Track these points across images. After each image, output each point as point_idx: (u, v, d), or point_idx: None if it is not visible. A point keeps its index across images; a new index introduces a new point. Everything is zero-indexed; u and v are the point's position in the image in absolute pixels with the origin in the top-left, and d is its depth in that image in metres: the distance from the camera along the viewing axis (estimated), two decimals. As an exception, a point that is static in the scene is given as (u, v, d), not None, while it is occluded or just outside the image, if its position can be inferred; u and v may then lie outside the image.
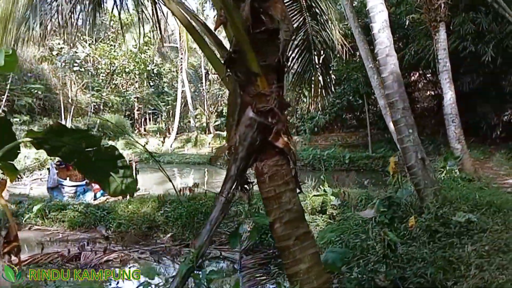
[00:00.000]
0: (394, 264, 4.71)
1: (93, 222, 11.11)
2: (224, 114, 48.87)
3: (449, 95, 10.24)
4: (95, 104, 33.97)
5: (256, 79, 3.61)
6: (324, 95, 9.97)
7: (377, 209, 4.56)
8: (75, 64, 27.21)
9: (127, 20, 30.02)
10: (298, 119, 36.26)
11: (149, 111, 50.41)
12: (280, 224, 3.73)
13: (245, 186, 3.92)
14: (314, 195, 9.97)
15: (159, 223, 10.76)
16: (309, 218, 9.52)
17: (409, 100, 7.38)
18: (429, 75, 23.26)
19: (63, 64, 27.10)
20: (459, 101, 20.86)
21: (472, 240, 5.31)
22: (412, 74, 23.94)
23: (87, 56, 28.04)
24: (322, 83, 9.55)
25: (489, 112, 18.57)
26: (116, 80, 40.58)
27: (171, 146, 32.92)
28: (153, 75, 45.76)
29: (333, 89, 10.75)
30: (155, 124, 56.13)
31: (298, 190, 3.98)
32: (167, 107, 50.64)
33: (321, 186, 11.10)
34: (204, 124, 46.44)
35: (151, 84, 44.54)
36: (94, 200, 13.27)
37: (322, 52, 8.99)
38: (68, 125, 28.00)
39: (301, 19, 8.20)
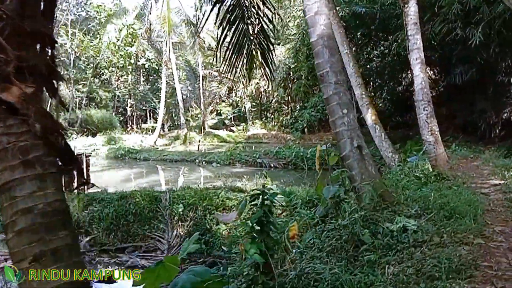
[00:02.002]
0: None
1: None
2: (220, 112, 47.60)
3: (420, 78, 8.60)
4: (79, 98, 32.67)
5: None
6: (269, 75, 8.42)
7: (239, 211, 3.02)
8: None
9: (110, 10, 28.82)
10: (292, 117, 34.82)
11: (144, 108, 48.90)
12: (13, 234, 2.21)
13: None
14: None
15: (82, 224, 9.28)
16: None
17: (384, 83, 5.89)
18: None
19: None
20: (453, 96, 19.90)
21: (398, 258, 3.74)
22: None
23: (60, 46, 26.69)
24: (260, 59, 8.02)
25: (488, 110, 16.85)
26: (105, 75, 39.38)
27: (155, 143, 31.51)
28: (144, 70, 44.50)
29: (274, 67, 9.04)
30: (155, 122, 55.11)
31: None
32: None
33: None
34: (201, 123, 45.16)
35: (143, 79, 43.29)
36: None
37: (258, 21, 7.46)
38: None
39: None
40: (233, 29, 7.42)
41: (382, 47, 21.66)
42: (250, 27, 7.69)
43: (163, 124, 50.61)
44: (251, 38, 8.00)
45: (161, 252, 8.16)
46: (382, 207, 5.05)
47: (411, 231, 4.15)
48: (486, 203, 5.98)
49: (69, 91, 30.57)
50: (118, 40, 31.28)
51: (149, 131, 41.27)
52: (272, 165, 20.67)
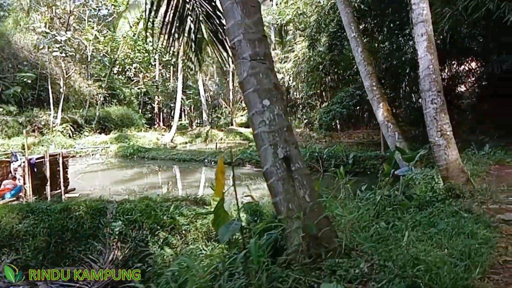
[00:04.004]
0: None
1: None
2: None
3: (426, 61, 6.39)
4: (101, 95, 31.92)
5: None
6: (225, 59, 6.56)
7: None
8: (55, 49, 25.09)
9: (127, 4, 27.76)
10: (317, 114, 32.49)
11: (173, 105, 48.02)
12: None
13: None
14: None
15: (12, 241, 7.80)
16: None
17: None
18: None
19: (43, 47, 25.14)
20: (497, 89, 17.04)
21: None
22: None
23: (68, 40, 25.82)
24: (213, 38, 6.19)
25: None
26: (130, 71, 38.65)
27: (172, 141, 30.27)
28: (173, 66, 43.52)
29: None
30: (184, 119, 54.40)
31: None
32: (189, 101, 48.42)
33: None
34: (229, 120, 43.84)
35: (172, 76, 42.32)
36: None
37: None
38: (59, 116, 26.08)
39: None
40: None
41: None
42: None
43: (191, 121, 49.81)
44: (197, 11, 6.19)
45: (87, 284, 6.48)
46: (313, 260, 3.10)
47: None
48: (503, 245, 3.86)
49: (87, 87, 29.79)
50: (135, 34, 30.21)
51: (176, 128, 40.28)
52: (285, 167, 18.63)
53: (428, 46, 6.43)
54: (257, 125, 3.47)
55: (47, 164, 12.21)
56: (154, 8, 5.77)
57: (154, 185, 15.69)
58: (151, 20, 5.86)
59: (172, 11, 5.73)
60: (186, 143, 32.38)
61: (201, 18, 6.08)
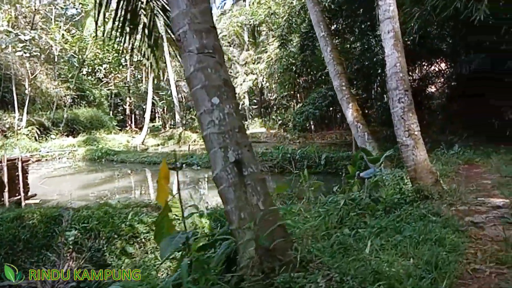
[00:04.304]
0: None
1: None
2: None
3: (393, 59, 6.20)
4: (69, 96, 30.80)
5: None
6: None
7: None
8: (19, 48, 24.06)
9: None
10: (290, 115, 32.36)
11: (145, 106, 47.05)
12: None
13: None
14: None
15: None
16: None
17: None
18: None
19: (5, 46, 24.06)
20: (466, 90, 17.19)
21: None
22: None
23: (32, 39, 24.80)
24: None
25: (503, 104, 14.24)
26: (100, 72, 37.61)
27: (143, 143, 29.53)
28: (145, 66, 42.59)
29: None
30: (157, 121, 53.38)
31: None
32: (162, 102, 47.59)
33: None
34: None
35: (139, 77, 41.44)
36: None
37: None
38: (24, 119, 25.05)
39: None
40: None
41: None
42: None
43: (164, 123, 48.91)
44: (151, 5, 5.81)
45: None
46: (266, 275, 2.78)
47: None
48: (472, 251, 3.64)
49: (54, 88, 28.70)
50: (104, 33, 29.26)
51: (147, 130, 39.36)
52: (257, 169, 18.34)
53: (395, 44, 6.23)
54: (205, 125, 3.13)
55: (4, 169, 11.54)
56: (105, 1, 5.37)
57: (121, 190, 15.12)
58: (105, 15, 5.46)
59: (124, 3, 5.34)
60: (158, 145, 31.69)
61: (156, 12, 5.69)
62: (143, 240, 6.76)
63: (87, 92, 35.60)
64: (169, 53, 32.50)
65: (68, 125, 29.66)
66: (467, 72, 13.48)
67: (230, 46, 40.53)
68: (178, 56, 6.04)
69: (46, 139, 26.59)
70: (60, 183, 16.63)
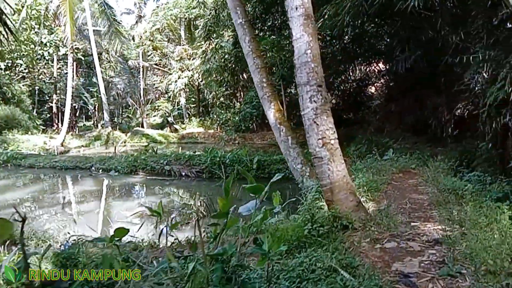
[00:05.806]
0: None
1: None
2: (159, 109, 42.92)
3: (303, 43, 4.62)
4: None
5: None
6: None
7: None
8: None
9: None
10: (229, 114, 30.68)
11: (75, 104, 43.38)
12: None
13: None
14: None
15: None
16: None
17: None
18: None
19: None
20: (404, 90, 16.36)
21: None
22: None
23: None
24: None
25: (440, 105, 13.40)
26: (20, 66, 33.87)
27: (62, 145, 26.59)
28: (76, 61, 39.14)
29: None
30: (89, 119, 49.63)
31: None
32: (93, 99, 44.12)
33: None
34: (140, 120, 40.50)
35: (65, 71, 37.89)
36: None
37: None
38: None
39: None
40: None
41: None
42: None
43: (96, 122, 45.40)
44: None
45: None
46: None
47: None
48: None
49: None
50: (16, 23, 26.07)
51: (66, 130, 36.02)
52: (183, 174, 16.55)
53: (305, 24, 4.70)
54: None
55: None
56: None
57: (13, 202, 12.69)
58: None
59: None
60: (81, 146, 28.80)
61: None
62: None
63: (4, 88, 31.88)
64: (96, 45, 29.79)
65: (-23, 124, 26.16)
66: (403, 70, 12.45)
67: (167, 41, 38.25)
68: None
69: None
70: None
